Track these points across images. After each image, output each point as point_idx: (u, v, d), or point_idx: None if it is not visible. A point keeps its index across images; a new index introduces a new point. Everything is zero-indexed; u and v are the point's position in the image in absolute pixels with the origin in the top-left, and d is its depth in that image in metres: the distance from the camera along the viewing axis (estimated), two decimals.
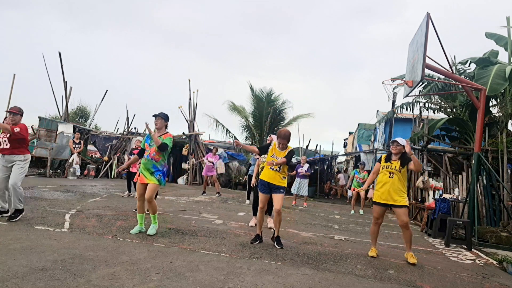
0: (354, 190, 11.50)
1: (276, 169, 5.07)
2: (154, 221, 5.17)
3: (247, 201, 10.54)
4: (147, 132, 5.18)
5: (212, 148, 13.33)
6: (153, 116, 5.16)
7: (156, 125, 5.14)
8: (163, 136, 5.09)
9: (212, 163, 11.99)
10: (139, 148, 8.22)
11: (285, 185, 5.20)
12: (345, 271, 4.25)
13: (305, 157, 12.43)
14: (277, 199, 5.09)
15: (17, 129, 5.10)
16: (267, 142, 6.00)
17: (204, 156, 16.93)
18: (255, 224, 6.50)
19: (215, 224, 6.45)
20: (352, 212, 11.28)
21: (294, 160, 11.69)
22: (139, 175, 5.17)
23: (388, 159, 5.19)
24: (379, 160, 5.35)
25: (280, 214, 5.13)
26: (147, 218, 5.47)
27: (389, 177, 5.04)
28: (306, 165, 11.53)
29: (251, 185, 7.06)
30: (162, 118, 5.14)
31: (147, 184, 5.04)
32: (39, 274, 3.11)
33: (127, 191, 9.18)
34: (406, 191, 5.16)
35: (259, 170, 5.77)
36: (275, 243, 5.13)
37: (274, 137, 5.94)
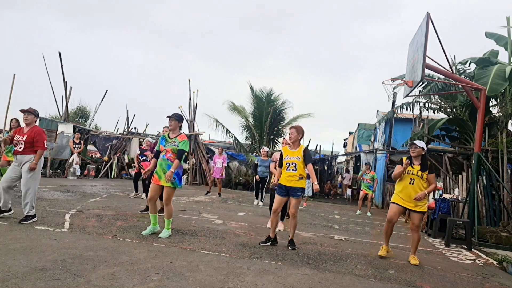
0: (362, 191, 11.45)
1: (292, 169, 5.03)
2: (167, 227, 5.09)
3: (255, 202, 10.52)
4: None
5: (217, 148, 13.30)
6: (167, 117, 5.15)
7: (170, 125, 5.14)
8: (178, 137, 5.09)
9: (225, 164, 11.97)
10: (147, 149, 8.34)
11: (303, 186, 5.14)
12: (345, 271, 4.25)
13: None
14: (294, 202, 5.07)
15: (46, 145, 5.27)
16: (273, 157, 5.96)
17: (204, 157, 16.97)
18: (284, 229, 6.53)
19: (215, 224, 6.45)
20: (358, 212, 11.28)
21: None
22: (153, 176, 5.11)
23: (410, 162, 5.06)
24: (401, 161, 5.19)
25: (295, 217, 5.12)
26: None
27: (410, 183, 4.96)
28: None
29: (270, 185, 6.99)
30: (176, 120, 5.14)
31: (160, 185, 5.02)
32: (39, 274, 3.11)
33: (134, 191, 9.16)
34: (428, 196, 5.04)
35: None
36: (289, 246, 5.10)
37: (277, 154, 5.96)
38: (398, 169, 5.10)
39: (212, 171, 12.15)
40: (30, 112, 5.26)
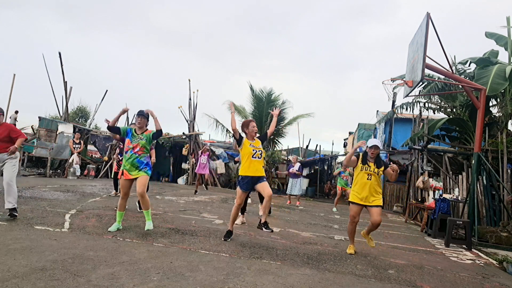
0: (340, 189, 11.64)
1: (258, 157, 5.13)
2: (148, 218, 5.16)
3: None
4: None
5: (203, 146, 13.37)
6: (137, 114, 5.26)
7: (139, 123, 5.23)
8: (145, 133, 5.22)
9: (209, 160, 12.01)
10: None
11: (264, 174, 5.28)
12: (345, 271, 4.25)
13: (296, 156, 12.48)
14: (265, 185, 5.10)
15: (28, 138, 5.29)
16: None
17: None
18: (241, 223, 6.67)
19: (215, 224, 6.45)
20: (334, 209, 11.44)
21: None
22: (122, 173, 5.16)
23: (364, 160, 5.23)
24: (357, 156, 5.31)
25: (271, 198, 5.12)
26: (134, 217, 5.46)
27: (368, 179, 5.13)
28: (298, 165, 11.56)
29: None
30: (146, 118, 5.27)
31: (132, 180, 5.09)
32: (39, 274, 3.11)
33: (114, 190, 9.11)
34: (381, 191, 5.29)
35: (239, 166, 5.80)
36: (264, 228, 5.17)
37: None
38: (348, 157, 5.31)
39: (196, 168, 12.17)
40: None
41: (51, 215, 5.66)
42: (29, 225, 4.86)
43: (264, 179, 5.17)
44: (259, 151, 5.15)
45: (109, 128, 5.30)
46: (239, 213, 6.85)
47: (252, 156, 5.09)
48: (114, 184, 9.14)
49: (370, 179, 5.13)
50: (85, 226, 5.15)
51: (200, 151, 12.37)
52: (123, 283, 3.10)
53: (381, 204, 5.14)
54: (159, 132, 5.28)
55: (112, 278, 3.19)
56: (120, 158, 8.47)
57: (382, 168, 5.16)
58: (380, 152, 5.33)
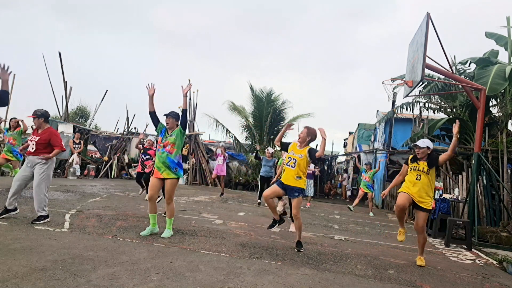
0: (361, 190, 11.47)
1: (292, 165, 5.01)
2: (169, 226, 5.07)
3: (259, 201, 10.53)
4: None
5: (219, 146, 13.21)
6: (164, 115, 5.13)
7: (168, 124, 5.11)
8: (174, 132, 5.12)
9: (224, 161, 11.93)
10: (152, 148, 8.42)
11: (301, 186, 4.99)
12: (345, 271, 4.25)
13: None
14: (293, 203, 5.04)
15: (65, 150, 5.35)
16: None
17: (204, 157, 16.99)
18: (283, 209, 6.51)
19: (215, 224, 6.45)
20: (352, 208, 11.30)
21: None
22: (153, 171, 5.10)
23: (415, 159, 4.99)
24: (406, 162, 5.11)
25: (298, 218, 5.03)
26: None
27: (416, 179, 4.86)
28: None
29: (271, 183, 7.39)
30: (173, 118, 5.12)
31: (162, 179, 4.99)
32: (39, 274, 3.11)
33: (141, 188, 9.04)
34: (433, 195, 4.97)
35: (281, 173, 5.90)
36: (295, 247, 5.07)
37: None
38: (399, 177, 5.23)
39: (214, 171, 12.04)
40: (34, 117, 5.25)
41: (51, 215, 5.64)
42: (29, 225, 4.86)
43: (296, 194, 4.97)
44: (293, 159, 5.01)
45: (150, 113, 5.12)
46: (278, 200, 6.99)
47: (286, 164, 5.11)
48: (138, 183, 9.08)
49: (419, 179, 4.82)
50: (85, 226, 5.15)
51: (217, 153, 12.24)
52: (123, 283, 3.11)
53: (429, 208, 4.82)
54: (183, 113, 5.06)
55: (112, 278, 3.19)
56: (144, 159, 8.48)
57: (434, 169, 4.89)
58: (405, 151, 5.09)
